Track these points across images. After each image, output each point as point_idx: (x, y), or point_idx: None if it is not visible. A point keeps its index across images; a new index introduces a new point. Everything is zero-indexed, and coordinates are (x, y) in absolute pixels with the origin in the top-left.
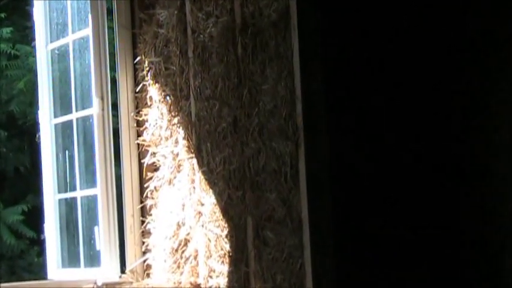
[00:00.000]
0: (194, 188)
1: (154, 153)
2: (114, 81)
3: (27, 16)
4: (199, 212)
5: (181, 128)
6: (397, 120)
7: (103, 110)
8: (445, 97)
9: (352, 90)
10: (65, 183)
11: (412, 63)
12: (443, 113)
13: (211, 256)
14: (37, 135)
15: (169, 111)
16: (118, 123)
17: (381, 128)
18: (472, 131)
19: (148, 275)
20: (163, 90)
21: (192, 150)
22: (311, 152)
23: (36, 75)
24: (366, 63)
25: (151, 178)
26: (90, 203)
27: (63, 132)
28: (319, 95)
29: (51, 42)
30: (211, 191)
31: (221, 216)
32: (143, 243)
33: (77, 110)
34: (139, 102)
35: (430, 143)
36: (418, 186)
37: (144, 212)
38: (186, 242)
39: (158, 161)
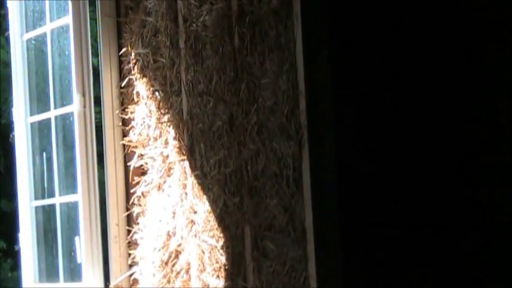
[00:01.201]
0: (186, 193)
1: (141, 155)
2: (97, 75)
3: (0, 3)
4: (192, 221)
5: (171, 127)
6: (411, 119)
7: (84, 107)
8: (460, 95)
9: (362, 85)
10: (42, 189)
11: (427, 56)
12: (458, 112)
13: (205, 269)
14: (11, 136)
15: (159, 108)
16: (101, 121)
17: (393, 127)
18: (484, 130)
19: None
20: (152, 85)
21: (184, 152)
22: (316, 154)
23: (10, 69)
24: (377, 55)
25: (138, 183)
26: (70, 211)
27: (40, 132)
28: (324, 90)
29: (26, 31)
30: (205, 197)
31: (216, 225)
32: (129, 255)
33: (55, 107)
34: (125, 98)
35: (445, 144)
36: (434, 191)
37: (130, 220)
38: (177, 253)
39: (146, 163)
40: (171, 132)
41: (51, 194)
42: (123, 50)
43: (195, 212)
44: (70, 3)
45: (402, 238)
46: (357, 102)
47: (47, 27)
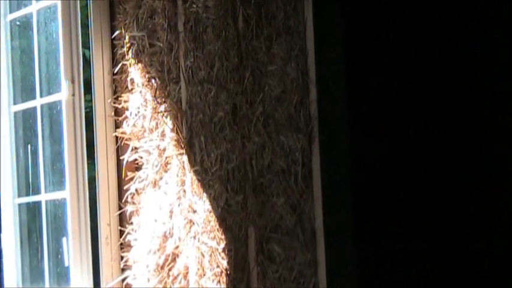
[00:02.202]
0: (184, 191)
1: (136, 149)
2: (87, 60)
3: None
4: (191, 221)
5: (169, 117)
6: (429, 110)
7: (73, 95)
8: (481, 87)
9: (378, 72)
10: (27, 185)
11: (449, 42)
12: (476, 106)
13: (204, 274)
14: None
15: (155, 97)
16: (92, 111)
17: (410, 119)
18: (501, 126)
19: None
20: (148, 72)
21: (182, 145)
22: (327, 148)
23: None
24: (395, 40)
25: (132, 179)
26: (58, 209)
27: (25, 122)
28: (337, 77)
29: (10, 12)
30: (205, 195)
31: (217, 226)
32: (122, 258)
33: (41, 96)
34: (118, 86)
35: (463, 139)
36: (452, 188)
37: (123, 220)
38: (174, 257)
39: (141, 158)
40: (169, 123)
41: (37, 191)
42: (116, 32)
43: (194, 212)
44: None
45: (420, 241)
46: (373, 92)
47: (33, 8)
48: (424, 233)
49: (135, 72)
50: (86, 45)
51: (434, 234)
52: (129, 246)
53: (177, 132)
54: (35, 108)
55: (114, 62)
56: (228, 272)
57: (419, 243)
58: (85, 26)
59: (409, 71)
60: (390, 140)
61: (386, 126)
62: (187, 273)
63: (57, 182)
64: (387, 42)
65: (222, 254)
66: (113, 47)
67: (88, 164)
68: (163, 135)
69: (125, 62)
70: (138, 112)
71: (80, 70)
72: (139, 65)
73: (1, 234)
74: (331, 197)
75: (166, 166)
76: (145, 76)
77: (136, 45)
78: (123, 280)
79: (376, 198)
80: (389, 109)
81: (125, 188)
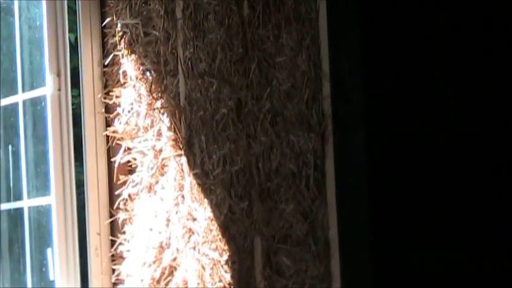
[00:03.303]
0: (183, 196)
1: (129, 149)
2: (74, 51)
3: None
4: (190, 230)
5: (165, 115)
6: (456, 107)
7: (59, 89)
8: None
9: (399, 65)
10: (7, 189)
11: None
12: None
13: None
14: None
15: (150, 91)
16: (80, 107)
17: (434, 117)
18: None
19: None
20: (142, 64)
21: (181, 146)
22: (342, 149)
23: None
24: (418, 29)
25: (124, 183)
26: (42, 216)
27: (5, 120)
28: (353, 71)
29: None
30: (206, 201)
31: (219, 236)
32: (113, 271)
33: (23, 91)
34: (109, 79)
35: (494, 141)
36: (480, 195)
37: (114, 229)
38: (172, 270)
39: (134, 159)
40: (165, 121)
41: (18, 196)
42: (107, 20)
43: (194, 220)
44: None
45: (443, 252)
46: (392, 86)
47: None
48: (449, 242)
49: (128, 64)
50: (74, 33)
51: (462, 248)
52: (121, 258)
53: (174, 131)
54: (16, 104)
55: (104, 52)
56: (232, 287)
57: (447, 258)
58: (72, 12)
59: (433, 63)
60: (411, 139)
61: (407, 124)
62: (186, 287)
63: (41, 186)
64: (409, 30)
65: (225, 267)
66: (104, 36)
67: (75, 166)
68: (159, 134)
69: (116, 53)
70: (132, 109)
71: (66, 62)
72: (133, 56)
73: None
74: (347, 204)
75: (162, 169)
76: (139, 68)
77: (129, 33)
78: None
79: (396, 205)
80: (411, 106)
81: (116, 193)
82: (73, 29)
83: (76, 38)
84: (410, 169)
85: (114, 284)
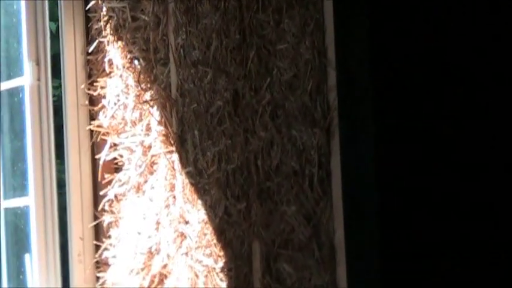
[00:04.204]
0: (174, 197)
1: (115, 145)
2: (55, 38)
3: None
4: (182, 234)
5: (155, 107)
6: (470, 104)
7: (39, 79)
8: None
9: (411, 53)
10: None
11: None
12: None
13: None
14: None
15: (139, 82)
16: (61, 99)
17: (448, 110)
18: None
19: None
20: (130, 51)
21: (172, 142)
22: (349, 145)
23: None
24: (432, 15)
25: (110, 182)
26: (19, 219)
27: None
28: (361, 59)
29: None
30: (199, 202)
31: (214, 240)
32: (98, 278)
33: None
34: (93, 68)
35: (505, 141)
36: (494, 194)
37: (99, 233)
38: (162, 277)
39: (121, 156)
40: (155, 114)
41: None
42: (91, 3)
43: (187, 223)
44: None
45: (458, 259)
46: (403, 77)
47: None
48: (462, 249)
49: (114, 52)
50: (54, 18)
51: (476, 256)
52: (107, 264)
53: (165, 126)
54: None
55: (88, 39)
56: None
57: (462, 265)
58: None
59: (447, 53)
60: (424, 135)
61: (420, 117)
62: None
63: (19, 186)
64: (422, 15)
65: (221, 275)
66: (87, 20)
67: (56, 164)
68: (148, 129)
69: (101, 40)
70: (118, 101)
71: (46, 49)
72: (120, 42)
73: None
74: (354, 206)
75: (152, 167)
76: (126, 56)
77: (115, 18)
78: None
79: (408, 206)
80: (424, 98)
81: (101, 193)
82: (54, 13)
83: (57, 27)
84: (423, 167)
85: None
